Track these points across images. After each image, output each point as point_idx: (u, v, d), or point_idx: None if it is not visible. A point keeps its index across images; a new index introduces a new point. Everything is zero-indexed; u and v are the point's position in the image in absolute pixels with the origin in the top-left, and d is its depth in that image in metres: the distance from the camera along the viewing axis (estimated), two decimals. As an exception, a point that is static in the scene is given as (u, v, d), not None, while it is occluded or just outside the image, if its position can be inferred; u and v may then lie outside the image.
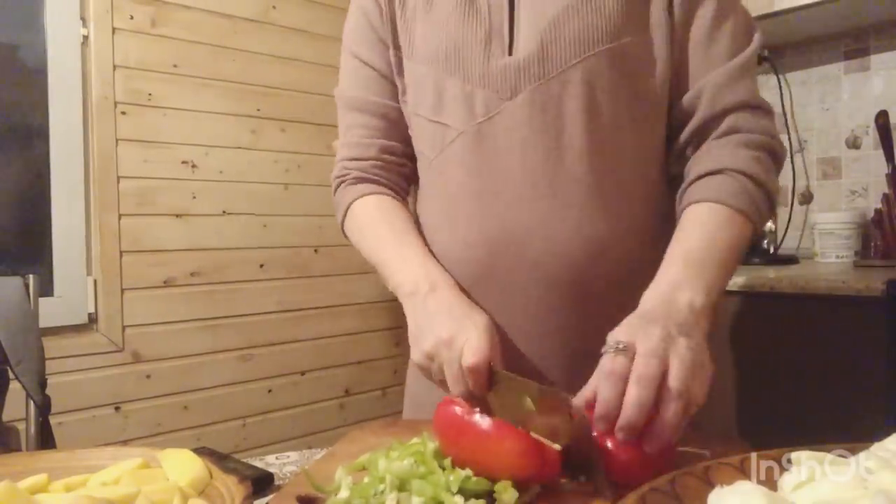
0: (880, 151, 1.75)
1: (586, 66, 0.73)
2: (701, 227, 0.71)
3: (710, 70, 0.76)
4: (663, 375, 0.55)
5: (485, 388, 0.64)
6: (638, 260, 0.75)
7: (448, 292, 0.72)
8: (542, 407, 0.58)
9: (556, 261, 0.75)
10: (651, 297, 0.65)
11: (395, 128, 0.88)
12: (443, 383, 0.68)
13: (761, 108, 0.77)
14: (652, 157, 0.80)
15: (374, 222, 0.85)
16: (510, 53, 0.75)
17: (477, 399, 0.64)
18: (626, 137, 0.77)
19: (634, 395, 0.53)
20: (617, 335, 0.59)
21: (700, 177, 0.74)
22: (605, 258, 0.75)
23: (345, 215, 0.89)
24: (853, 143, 1.95)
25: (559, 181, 0.74)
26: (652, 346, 0.56)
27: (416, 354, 0.70)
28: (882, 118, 1.71)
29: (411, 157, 0.89)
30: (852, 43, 1.93)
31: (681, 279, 0.65)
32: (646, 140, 0.79)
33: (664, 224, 0.78)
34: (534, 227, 0.75)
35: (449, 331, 0.67)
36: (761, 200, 0.73)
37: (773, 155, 0.76)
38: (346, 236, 0.92)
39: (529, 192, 0.74)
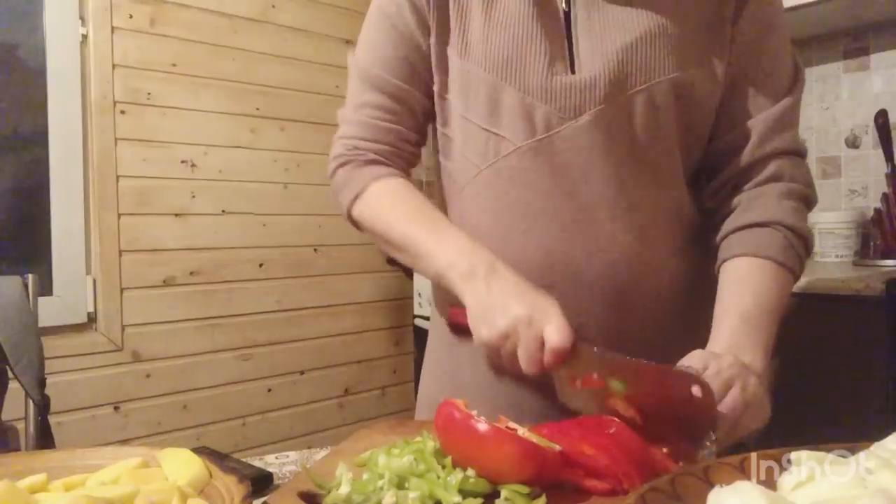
0: (880, 151, 1.75)
1: (650, 93, 0.74)
2: (752, 284, 0.73)
3: (759, 106, 0.78)
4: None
5: (559, 366, 0.65)
6: (676, 280, 0.79)
7: (511, 274, 0.71)
8: (640, 385, 0.59)
9: (611, 284, 0.76)
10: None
11: (412, 115, 0.85)
12: (512, 362, 0.67)
13: (801, 155, 0.80)
14: (692, 183, 0.82)
15: (405, 204, 0.80)
16: (573, 72, 0.75)
17: (541, 378, 0.65)
18: (680, 165, 0.79)
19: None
20: (687, 362, 0.63)
21: (746, 227, 0.76)
22: (653, 280, 0.78)
23: (357, 197, 0.83)
24: (853, 143, 1.95)
25: (619, 206, 0.75)
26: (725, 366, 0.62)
27: (487, 333, 0.68)
28: (881, 117, 1.71)
29: (419, 146, 0.87)
30: (852, 42, 1.93)
31: (739, 341, 0.68)
32: (693, 167, 0.81)
33: (692, 246, 0.82)
34: (592, 251, 0.76)
35: (527, 310, 0.66)
36: (803, 253, 0.76)
37: (808, 204, 0.79)
38: (351, 219, 0.86)
39: (591, 214, 0.75)
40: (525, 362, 0.65)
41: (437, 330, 0.92)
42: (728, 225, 0.78)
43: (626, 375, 0.60)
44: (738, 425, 0.59)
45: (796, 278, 0.76)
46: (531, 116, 0.75)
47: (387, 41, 0.83)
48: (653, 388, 0.60)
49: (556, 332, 0.64)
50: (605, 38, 0.75)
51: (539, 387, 0.73)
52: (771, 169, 0.77)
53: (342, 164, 0.85)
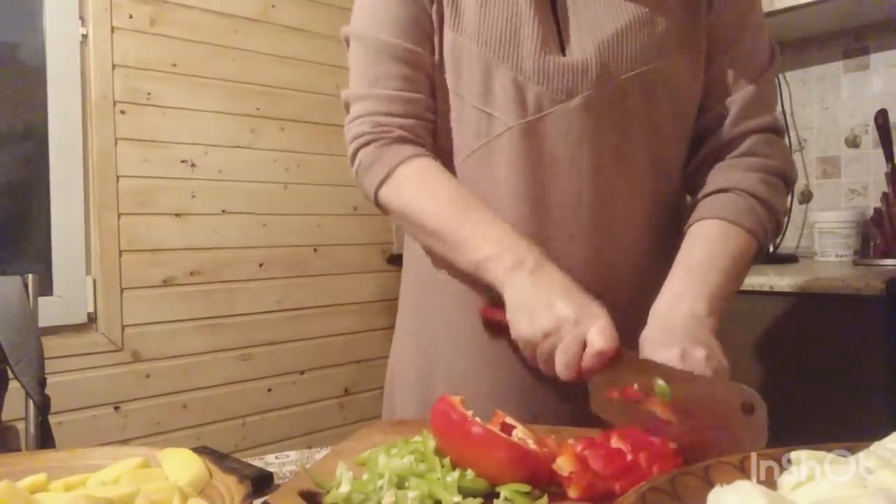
0: (880, 150, 1.75)
1: (640, 80, 0.74)
2: (704, 240, 0.74)
3: (735, 87, 0.78)
4: None
5: (597, 372, 0.63)
6: (656, 267, 0.78)
7: (557, 272, 0.69)
8: (689, 397, 0.56)
9: (596, 269, 0.76)
10: (655, 312, 0.69)
11: (429, 80, 0.79)
12: (548, 363, 0.66)
13: (778, 132, 0.80)
14: (681, 169, 0.83)
15: (440, 188, 0.76)
16: (563, 54, 0.75)
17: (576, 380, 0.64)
18: (669, 151, 0.79)
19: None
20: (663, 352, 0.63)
21: (708, 194, 0.77)
22: (634, 268, 0.78)
23: (385, 179, 0.77)
24: (853, 142, 1.95)
25: (607, 191, 0.75)
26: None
27: (529, 329, 0.66)
28: (881, 117, 1.71)
29: (436, 113, 0.82)
30: (852, 42, 1.93)
31: (682, 290, 0.69)
32: (682, 153, 0.81)
33: (679, 236, 0.81)
34: (577, 235, 0.75)
35: (574, 311, 0.65)
36: (767, 220, 0.75)
37: (785, 179, 0.78)
38: (377, 201, 0.80)
39: (573, 200, 0.75)
40: (562, 364, 0.64)
41: (423, 315, 0.88)
42: (696, 197, 0.79)
43: (673, 380, 0.58)
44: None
45: (758, 240, 0.75)
46: (523, 97, 0.74)
47: (392, 2, 0.78)
48: (699, 398, 0.57)
49: (601, 334, 0.63)
50: (594, 22, 0.75)
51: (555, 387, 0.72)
52: (746, 146, 0.78)
53: (365, 144, 0.79)
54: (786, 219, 1.88)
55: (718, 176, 0.78)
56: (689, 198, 0.86)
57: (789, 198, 1.98)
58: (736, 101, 0.78)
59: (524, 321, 0.67)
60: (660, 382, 0.58)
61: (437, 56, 0.78)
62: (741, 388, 0.54)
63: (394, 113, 0.78)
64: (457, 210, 0.74)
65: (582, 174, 0.75)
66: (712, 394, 0.57)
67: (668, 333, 0.65)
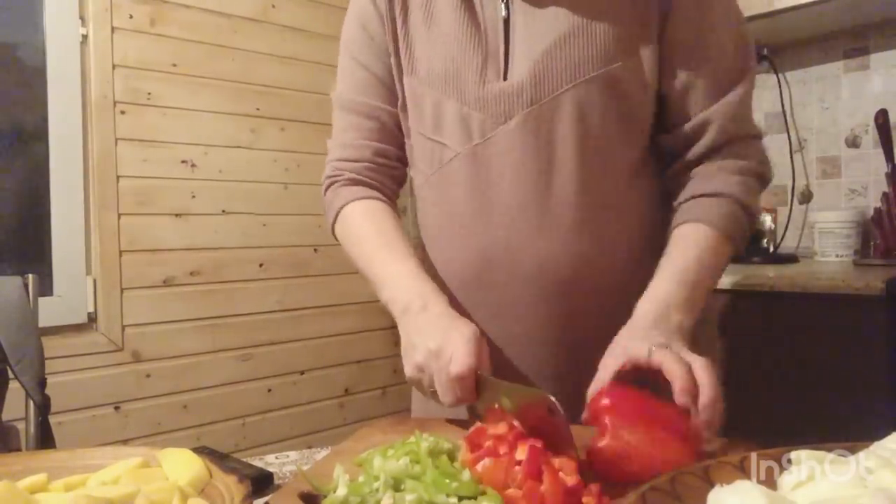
0: (880, 150, 1.75)
1: (577, 92, 0.76)
2: (692, 247, 0.76)
3: (712, 95, 0.79)
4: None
5: (473, 395, 0.66)
6: (622, 271, 0.80)
7: (441, 308, 0.74)
8: (523, 407, 0.60)
9: (546, 276, 0.79)
10: (648, 311, 0.71)
11: (388, 132, 0.89)
12: (434, 395, 0.69)
13: (757, 136, 0.83)
14: (638, 172, 0.83)
15: (364, 232, 0.86)
16: (505, 78, 0.78)
17: (468, 408, 0.67)
18: (615, 157, 0.80)
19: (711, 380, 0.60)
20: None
21: (693, 197, 0.79)
22: (592, 272, 0.79)
23: (335, 219, 0.89)
24: (853, 142, 1.95)
25: (549, 202, 0.78)
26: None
27: (408, 368, 0.72)
28: (881, 117, 1.71)
29: (402, 161, 0.92)
30: (852, 42, 1.93)
31: (674, 299, 0.71)
32: (633, 158, 0.82)
33: (652, 235, 0.82)
34: (524, 245, 0.78)
35: (437, 342, 0.68)
36: (745, 223, 0.79)
37: (761, 179, 0.82)
38: (335, 238, 0.92)
39: (520, 213, 0.78)
40: (441, 394, 0.67)
41: None
42: (682, 195, 0.81)
43: (511, 395, 0.61)
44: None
45: (738, 249, 0.79)
46: (468, 125, 0.79)
47: (355, 68, 0.90)
48: (527, 405, 0.61)
49: (456, 361, 0.65)
50: (534, 41, 0.77)
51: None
52: (727, 150, 0.80)
53: (329, 186, 0.91)
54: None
55: (698, 180, 0.80)
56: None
57: (789, 195, 2.00)
58: (719, 113, 0.78)
59: (406, 361, 0.72)
60: (504, 400, 0.62)
61: (400, 101, 0.87)
62: (544, 396, 0.58)
63: (347, 158, 0.89)
64: (375, 252, 0.83)
65: (526, 187, 0.78)
66: (531, 402, 0.60)
67: (640, 330, 0.68)
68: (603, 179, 0.79)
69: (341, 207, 0.88)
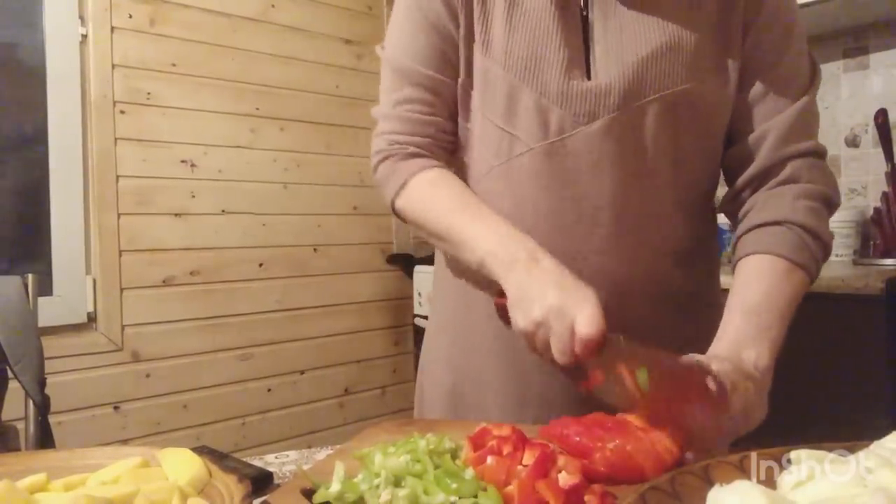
0: (879, 150, 1.75)
1: (663, 103, 0.75)
2: (760, 279, 0.73)
3: (775, 109, 0.78)
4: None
5: (592, 357, 0.65)
6: (672, 285, 0.81)
7: (552, 263, 0.71)
8: (661, 376, 0.60)
9: (605, 285, 0.76)
10: (717, 354, 0.68)
11: (450, 109, 0.85)
12: (546, 352, 0.67)
13: (821, 155, 0.80)
14: (707, 188, 0.83)
15: (441, 197, 0.81)
16: (588, 78, 0.76)
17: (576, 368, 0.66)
18: (690, 171, 0.80)
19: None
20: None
21: (758, 226, 0.77)
22: (648, 285, 0.79)
23: (400, 189, 0.83)
24: (852, 142, 1.95)
25: (622, 211, 0.77)
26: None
27: (522, 321, 0.68)
28: (881, 117, 1.71)
29: (456, 134, 0.87)
30: (851, 41, 1.93)
31: (745, 337, 0.69)
32: (705, 172, 0.82)
33: (697, 252, 0.83)
34: (589, 253, 0.77)
35: (560, 300, 0.66)
36: (819, 252, 0.75)
37: (829, 205, 0.79)
38: (395, 211, 0.86)
39: (591, 218, 0.77)
40: (557, 352, 0.65)
41: (453, 320, 0.91)
42: (743, 226, 0.79)
43: (648, 363, 0.61)
44: (733, 428, 0.60)
45: (811, 276, 0.75)
46: (546, 119, 0.76)
47: (419, 31, 0.82)
48: (671, 377, 0.60)
49: (585, 322, 0.64)
50: (622, 45, 0.75)
51: (570, 378, 0.73)
52: (788, 171, 0.77)
53: (384, 159, 0.85)
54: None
55: (766, 206, 0.77)
56: (725, 219, 0.87)
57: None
58: (777, 124, 0.77)
59: (519, 314, 0.69)
60: (641, 373, 0.60)
61: (463, 77, 0.82)
62: (707, 367, 0.59)
63: (410, 133, 0.84)
64: (461, 212, 0.78)
65: (603, 194, 0.76)
66: (688, 378, 0.60)
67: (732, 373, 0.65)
68: (678, 192, 0.79)
69: (407, 179, 0.82)
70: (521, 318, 0.68)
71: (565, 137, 0.76)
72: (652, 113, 0.75)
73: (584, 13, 0.77)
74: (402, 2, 0.85)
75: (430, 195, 0.82)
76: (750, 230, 0.77)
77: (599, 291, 0.74)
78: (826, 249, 0.76)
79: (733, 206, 0.82)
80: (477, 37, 0.80)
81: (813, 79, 0.80)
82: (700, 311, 0.84)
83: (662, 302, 0.80)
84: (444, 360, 0.91)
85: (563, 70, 0.76)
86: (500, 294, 0.75)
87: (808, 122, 0.79)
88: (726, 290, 0.76)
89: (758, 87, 0.78)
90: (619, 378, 0.62)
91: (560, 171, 0.77)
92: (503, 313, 0.75)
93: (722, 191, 0.85)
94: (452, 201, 0.80)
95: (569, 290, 0.67)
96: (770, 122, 0.78)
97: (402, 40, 0.85)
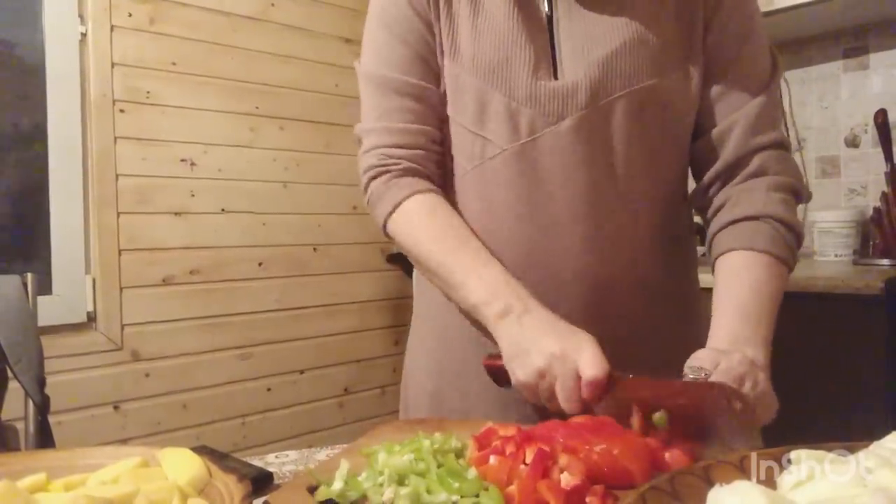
0: (879, 150, 1.75)
1: (630, 99, 0.76)
2: (747, 277, 0.74)
3: (739, 103, 0.78)
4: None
5: (599, 399, 0.64)
6: (653, 279, 0.81)
7: (545, 312, 0.71)
8: (676, 408, 0.59)
9: (586, 282, 0.78)
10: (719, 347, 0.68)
11: (438, 115, 0.83)
12: (551, 401, 0.67)
13: (786, 147, 0.80)
14: (678, 181, 0.84)
15: (435, 231, 0.80)
16: (555, 77, 0.77)
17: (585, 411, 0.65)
18: (661, 166, 0.80)
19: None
20: (695, 362, 0.64)
21: (734, 221, 0.77)
22: (628, 280, 0.79)
23: (392, 211, 0.82)
24: (852, 142, 1.95)
25: (597, 208, 0.77)
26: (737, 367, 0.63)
27: (522, 374, 0.68)
28: (881, 116, 1.71)
29: (443, 144, 0.85)
30: (851, 41, 1.93)
31: (740, 335, 0.69)
32: (676, 167, 0.82)
33: (673, 245, 0.84)
34: (569, 251, 0.77)
35: (559, 346, 0.66)
36: (794, 244, 0.76)
37: (798, 195, 0.79)
38: (386, 233, 0.86)
39: (568, 217, 0.77)
40: (564, 399, 0.65)
41: (434, 324, 0.91)
42: (718, 221, 0.79)
43: (665, 400, 0.60)
44: (750, 421, 0.60)
45: (790, 269, 0.77)
46: (516, 121, 0.77)
47: (396, 42, 0.82)
48: (693, 407, 0.59)
49: (588, 364, 0.63)
50: (588, 43, 0.76)
51: None
52: (756, 163, 0.78)
53: (375, 176, 0.83)
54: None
55: (740, 201, 0.78)
56: (695, 213, 0.87)
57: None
58: (742, 117, 0.78)
59: (518, 366, 0.69)
60: (657, 416, 0.60)
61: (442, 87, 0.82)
62: (721, 386, 0.59)
63: (400, 145, 0.82)
64: (454, 251, 0.78)
65: (575, 191, 0.77)
66: (702, 398, 0.59)
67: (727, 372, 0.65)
68: (649, 188, 0.79)
69: (400, 201, 0.81)
70: (521, 370, 0.68)
71: (536, 138, 0.77)
72: (620, 110, 0.76)
73: (550, 13, 0.78)
74: (374, 16, 0.85)
75: (422, 225, 0.80)
76: (726, 226, 0.78)
77: (581, 289, 0.76)
78: (799, 240, 0.78)
79: (703, 201, 0.83)
80: (445, 44, 0.80)
81: (774, 71, 0.81)
82: (679, 301, 0.85)
83: (644, 295, 0.80)
84: (426, 364, 0.91)
85: (531, 71, 0.76)
86: (489, 357, 0.75)
87: (771, 113, 0.80)
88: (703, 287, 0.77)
89: (721, 81, 0.79)
90: (631, 421, 0.62)
91: (533, 171, 0.77)
92: (495, 374, 0.74)
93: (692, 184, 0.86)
94: (446, 236, 0.79)
95: (565, 335, 0.67)
96: (735, 114, 0.78)
97: (380, 53, 0.83)
